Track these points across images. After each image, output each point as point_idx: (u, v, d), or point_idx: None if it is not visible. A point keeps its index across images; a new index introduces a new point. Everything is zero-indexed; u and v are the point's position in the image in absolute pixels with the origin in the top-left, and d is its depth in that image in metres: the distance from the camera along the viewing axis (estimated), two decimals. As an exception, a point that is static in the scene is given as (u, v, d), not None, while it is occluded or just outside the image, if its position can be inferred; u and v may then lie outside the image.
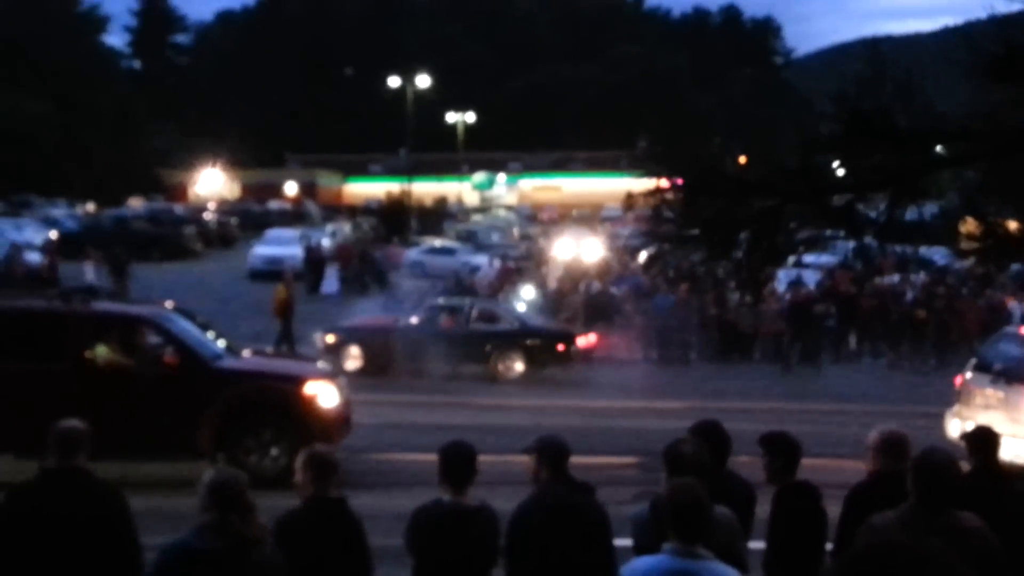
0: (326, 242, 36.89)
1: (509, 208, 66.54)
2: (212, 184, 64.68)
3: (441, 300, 20.69)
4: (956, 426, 12.13)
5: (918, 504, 5.07)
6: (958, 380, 12.99)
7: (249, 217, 49.85)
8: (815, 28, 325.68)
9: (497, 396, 16.62)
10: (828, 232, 3.41)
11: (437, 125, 67.33)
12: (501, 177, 75.70)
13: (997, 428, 11.68)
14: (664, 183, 3.30)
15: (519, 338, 17.96)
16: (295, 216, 51.66)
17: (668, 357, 20.84)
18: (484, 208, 65.93)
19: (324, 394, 11.23)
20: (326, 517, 5.15)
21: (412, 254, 34.47)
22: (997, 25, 2.94)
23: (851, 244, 31.70)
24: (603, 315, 21.76)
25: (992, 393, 11.95)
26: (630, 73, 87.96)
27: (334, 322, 19.64)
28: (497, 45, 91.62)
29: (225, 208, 53.42)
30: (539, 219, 59.15)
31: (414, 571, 5.45)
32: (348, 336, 18.31)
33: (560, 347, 18.04)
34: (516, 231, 46.77)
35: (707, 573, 4.19)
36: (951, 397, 12.81)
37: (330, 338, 18.24)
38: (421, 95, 55.41)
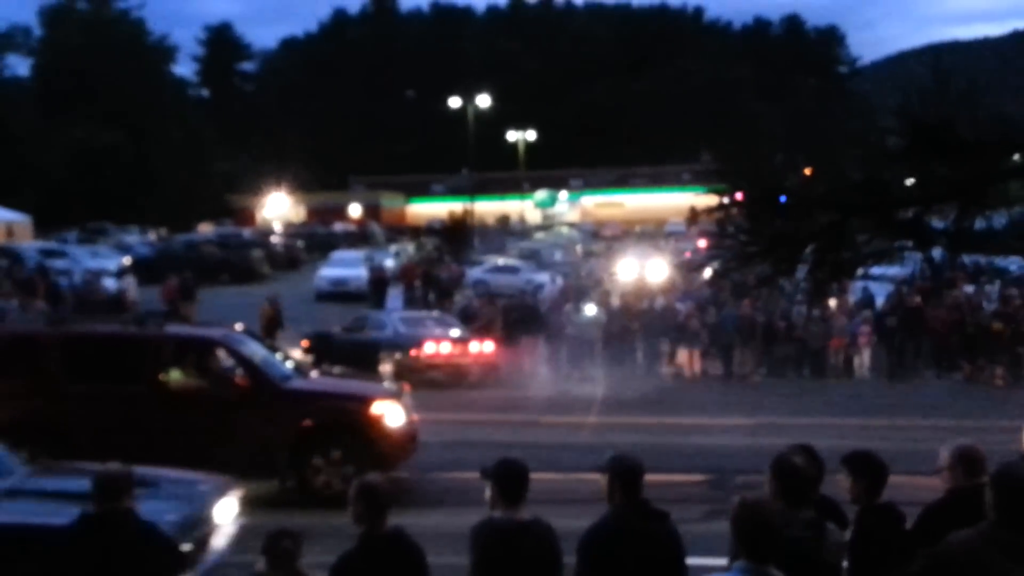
0: (390, 263, 37.26)
1: (571, 225, 66.44)
2: (278, 208, 65.84)
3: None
4: None
5: (998, 522, 4.92)
6: None
7: (315, 239, 50.58)
8: (880, 35, 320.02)
9: (563, 414, 16.57)
10: (896, 244, 3.33)
11: (498, 144, 67.70)
12: (563, 194, 75.68)
13: None
14: (727, 199, 3.26)
15: (387, 346, 19.77)
16: (360, 238, 52.27)
17: (734, 372, 20.62)
18: (546, 226, 65.94)
19: (390, 413, 11.36)
20: (381, 556, 5.10)
21: (475, 273, 34.63)
22: None
23: (920, 256, 30.92)
24: (668, 331, 21.59)
25: None
26: (692, 86, 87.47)
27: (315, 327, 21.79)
28: (556, 62, 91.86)
29: (291, 231, 54.30)
30: (602, 236, 58.94)
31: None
32: (311, 341, 20.43)
33: (411, 354, 19.63)
34: (579, 248, 46.66)
35: None
36: None
37: (304, 342, 20.38)
38: (482, 114, 55.78)
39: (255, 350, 12.26)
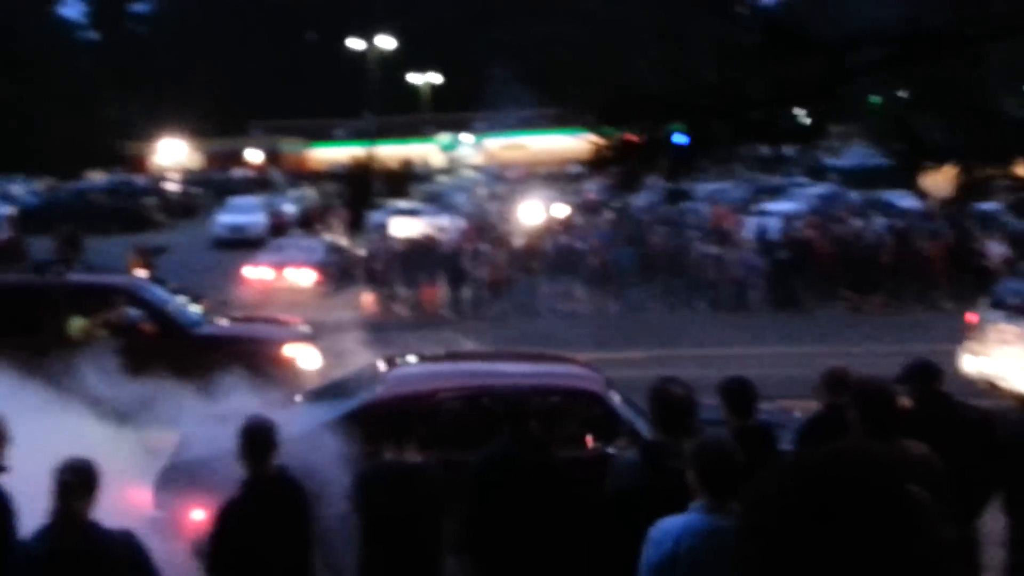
0: (291, 208, 36.64)
1: (476, 168, 66.21)
2: (173, 154, 63.96)
3: None
4: (970, 361, 12.32)
5: (863, 434, 5.12)
6: (971, 317, 13.16)
7: (212, 186, 49.41)
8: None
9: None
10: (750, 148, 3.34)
11: (401, 87, 66.66)
12: (467, 137, 75.19)
13: (1014, 362, 11.96)
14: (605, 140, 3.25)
15: None
16: (259, 183, 51.25)
17: (631, 307, 20.97)
18: (450, 169, 65.56)
19: (304, 356, 11.21)
20: (265, 499, 5.04)
21: (377, 216, 34.27)
22: None
23: (815, 191, 31.42)
24: (570, 268, 21.83)
25: (1008, 328, 12.16)
26: (595, 27, 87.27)
27: None
28: (460, 3, 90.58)
29: (188, 178, 52.92)
30: (506, 178, 58.91)
31: (361, 530, 5.43)
32: None
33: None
34: (483, 191, 46.56)
35: None
36: (956, 334, 13.01)
37: None
38: (384, 57, 54.82)
39: (161, 297, 11.98)
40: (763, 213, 27.45)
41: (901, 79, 3.07)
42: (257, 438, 5.08)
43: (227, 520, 4.97)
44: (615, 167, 3.14)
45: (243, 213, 34.37)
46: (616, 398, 7.36)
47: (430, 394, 7.10)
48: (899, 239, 20.90)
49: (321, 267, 23.47)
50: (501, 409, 5.82)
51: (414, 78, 68.25)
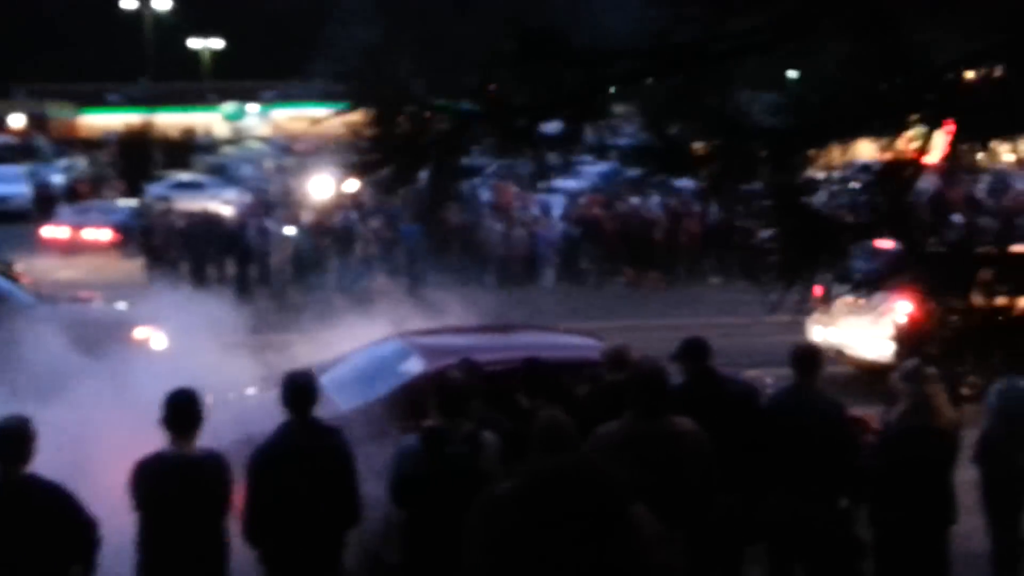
0: (58, 179, 34.34)
1: (262, 140, 64.17)
2: (-79, 118, 58.36)
3: None
4: (819, 331, 13.07)
5: (636, 412, 5.35)
6: (818, 290, 13.89)
7: (-34, 154, 45.43)
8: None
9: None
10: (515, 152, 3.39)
11: (181, 52, 63.62)
12: (253, 107, 72.73)
13: (862, 330, 12.79)
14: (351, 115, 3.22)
15: None
16: (22, 151, 47.58)
17: (417, 284, 21.02)
18: (235, 140, 63.24)
19: (155, 338, 10.77)
20: (7, 507, 4.59)
21: (156, 189, 32.66)
22: None
23: (597, 169, 32.46)
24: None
25: (853, 300, 12.95)
26: (368, 26, 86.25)
27: None
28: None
29: (-62, 145, 48.49)
30: (294, 150, 57.45)
31: (139, 525, 5.20)
32: None
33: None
34: (270, 163, 45.23)
35: None
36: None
37: None
38: (161, 19, 52.13)
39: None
40: (549, 190, 28.18)
41: (655, 89, 3.24)
42: (9, 439, 4.61)
43: None
44: (381, 170, 3.13)
45: (3, 184, 31.88)
46: None
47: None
48: (671, 217, 22.03)
49: (120, 229, 23.54)
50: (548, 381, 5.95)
51: (195, 43, 65.21)
